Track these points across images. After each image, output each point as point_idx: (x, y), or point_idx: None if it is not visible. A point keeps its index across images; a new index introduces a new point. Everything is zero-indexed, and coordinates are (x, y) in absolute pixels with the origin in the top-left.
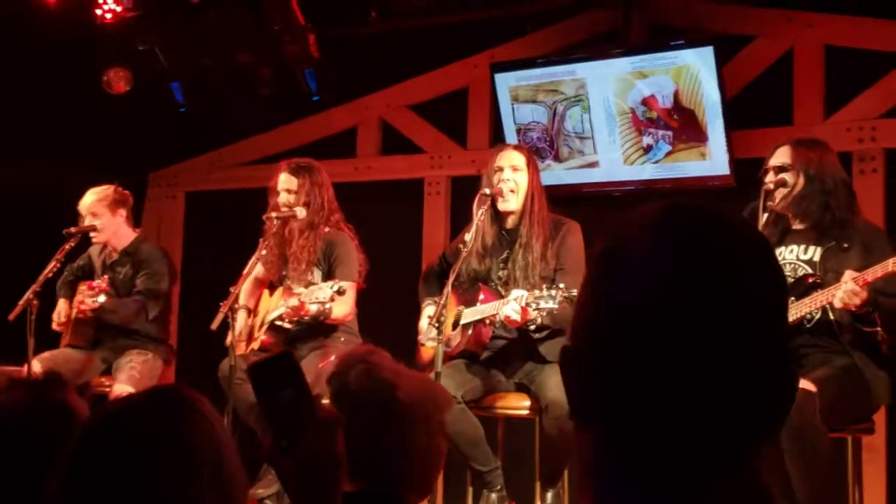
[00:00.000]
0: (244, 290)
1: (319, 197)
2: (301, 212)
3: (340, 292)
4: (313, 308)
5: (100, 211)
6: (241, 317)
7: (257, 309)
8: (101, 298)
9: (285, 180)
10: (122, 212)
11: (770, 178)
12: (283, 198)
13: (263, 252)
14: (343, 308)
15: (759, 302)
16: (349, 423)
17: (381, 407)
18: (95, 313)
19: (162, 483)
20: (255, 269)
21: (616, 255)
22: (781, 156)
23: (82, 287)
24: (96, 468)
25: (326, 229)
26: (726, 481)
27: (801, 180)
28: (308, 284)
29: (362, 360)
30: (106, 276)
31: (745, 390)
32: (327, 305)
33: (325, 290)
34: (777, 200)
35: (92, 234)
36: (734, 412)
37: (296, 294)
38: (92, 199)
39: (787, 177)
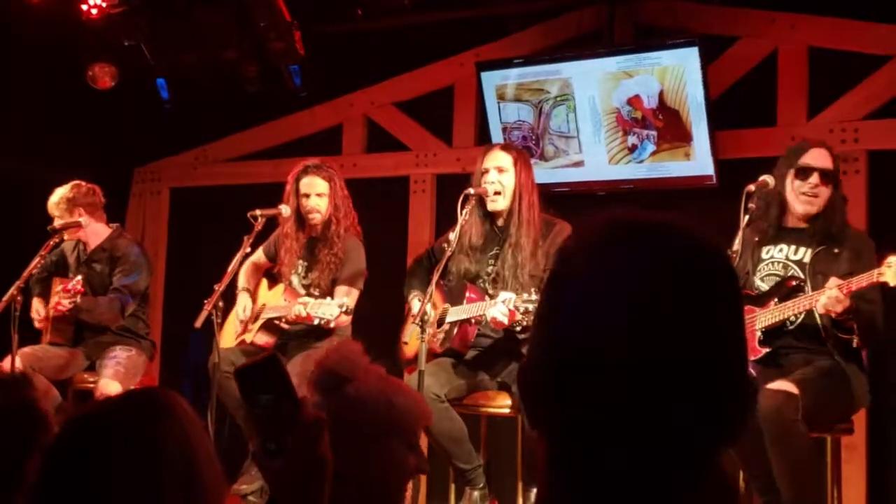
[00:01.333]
0: (244, 272)
1: (346, 201)
2: (286, 210)
3: (347, 313)
4: (317, 321)
5: (58, 213)
6: (244, 298)
7: (256, 295)
8: (78, 300)
9: (317, 184)
10: (80, 210)
11: (815, 179)
12: (314, 202)
13: (273, 244)
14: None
15: (708, 305)
16: None
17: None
18: (72, 313)
19: (125, 485)
20: (255, 254)
21: (567, 269)
22: (823, 159)
23: (58, 288)
24: (64, 471)
25: (343, 232)
26: (686, 482)
27: (831, 186)
28: (321, 291)
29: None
30: (81, 278)
31: (702, 393)
32: (332, 324)
33: (332, 307)
34: (814, 204)
35: (55, 235)
36: (691, 415)
37: (301, 302)
38: (51, 202)
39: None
